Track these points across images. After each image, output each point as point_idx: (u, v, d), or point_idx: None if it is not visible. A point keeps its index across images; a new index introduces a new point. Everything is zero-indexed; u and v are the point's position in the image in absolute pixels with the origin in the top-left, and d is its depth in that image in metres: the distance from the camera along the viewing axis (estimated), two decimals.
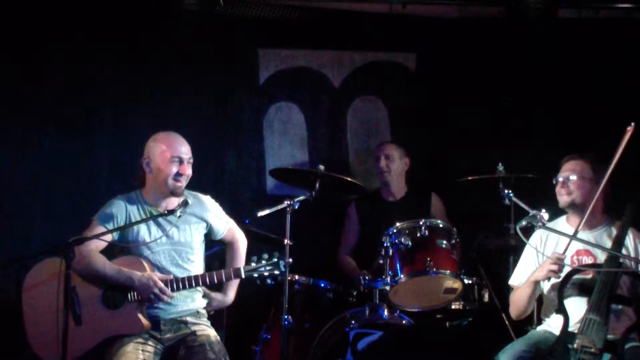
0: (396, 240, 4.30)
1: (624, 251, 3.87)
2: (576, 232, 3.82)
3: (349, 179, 4.72)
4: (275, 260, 3.84)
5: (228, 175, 5.51)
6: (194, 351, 3.77)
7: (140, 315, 3.74)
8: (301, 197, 4.45)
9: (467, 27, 5.57)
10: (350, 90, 5.66)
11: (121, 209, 3.92)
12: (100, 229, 3.80)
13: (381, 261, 4.37)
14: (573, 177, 3.98)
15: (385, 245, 4.34)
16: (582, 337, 3.67)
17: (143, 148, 4.04)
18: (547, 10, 5.31)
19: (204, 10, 5.26)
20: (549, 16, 5.35)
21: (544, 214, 3.79)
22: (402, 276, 4.22)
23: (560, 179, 4.02)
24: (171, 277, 3.81)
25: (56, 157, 5.19)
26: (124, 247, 3.88)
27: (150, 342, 3.77)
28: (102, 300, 3.77)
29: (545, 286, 4.02)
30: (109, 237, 3.83)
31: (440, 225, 4.40)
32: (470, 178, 4.72)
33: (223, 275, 3.84)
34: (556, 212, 4.05)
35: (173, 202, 3.95)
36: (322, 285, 4.55)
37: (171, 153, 3.90)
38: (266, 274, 3.82)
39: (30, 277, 3.84)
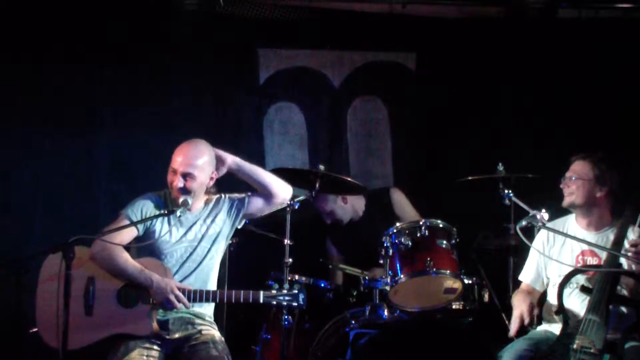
0: (396, 240, 4.30)
1: (624, 251, 3.87)
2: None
3: (349, 179, 4.71)
4: (296, 292, 3.81)
5: (228, 174, 5.49)
6: (198, 348, 3.78)
7: (150, 319, 3.74)
8: (301, 197, 4.46)
9: (467, 27, 5.57)
10: (350, 90, 5.66)
11: (149, 205, 3.95)
12: (126, 223, 3.83)
13: (381, 261, 4.37)
14: (574, 178, 3.99)
15: (385, 245, 4.34)
16: (582, 337, 3.67)
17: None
18: (547, 10, 5.33)
19: (204, 10, 5.26)
20: (549, 16, 5.36)
21: (544, 214, 3.80)
22: (402, 276, 4.22)
23: (563, 179, 4.03)
24: (189, 287, 3.80)
25: (56, 157, 5.19)
26: (146, 244, 3.89)
27: (155, 347, 3.76)
28: (116, 297, 3.77)
29: (549, 287, 4.03)
30: (129, 236, 3.84)
31: (440, 225, 4.39)
32: (470, 178, 4.71)
33: (241, 296, 3.80)
34: (556, 212, 4.05)
35: (196, 200, 3.96)
36: (322, 285, 4.55)
37: (171, 163, 3.94)
38: (284, 303, 3.80)
39: (48, 264, 3.81)
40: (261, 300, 3.79)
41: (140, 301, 3.76)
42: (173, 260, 3.90)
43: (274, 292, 3.80)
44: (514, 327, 3.87)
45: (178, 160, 3.92)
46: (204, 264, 3.96)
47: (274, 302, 3.80)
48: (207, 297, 3.81)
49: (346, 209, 5.05)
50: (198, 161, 3.92)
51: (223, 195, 4.12)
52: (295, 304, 3.80)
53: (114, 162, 5.29)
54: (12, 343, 4.64)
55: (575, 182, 3.97)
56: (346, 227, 5.08)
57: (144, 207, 3.94)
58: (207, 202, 4.03)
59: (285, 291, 3.81)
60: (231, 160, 4.09)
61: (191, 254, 3.94)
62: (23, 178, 5.15)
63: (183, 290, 3.76)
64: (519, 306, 3.91)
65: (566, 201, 4.01)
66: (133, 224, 3.85)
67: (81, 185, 5.23)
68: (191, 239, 3.96)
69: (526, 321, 3.81)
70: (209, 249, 3.98)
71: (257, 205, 4.11)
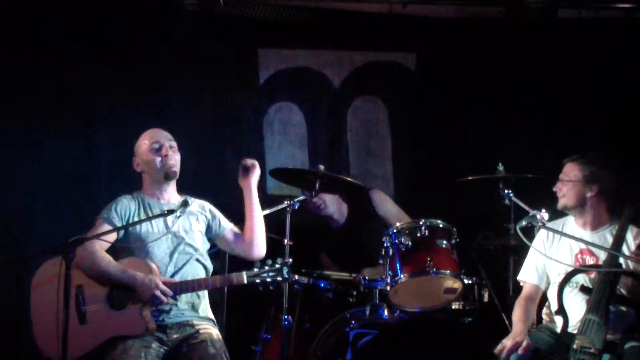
0: (396, 240, 4.30)
1: (624, 251, 3.87)
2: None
3: (349, 179, 4.72)
4: (278, 266, 3.81)
5: (228, 175, 5.49)
6: (195, 347, 3.77)
7: (142, 317, 3.73)
8: (301, 197, 4.46)
9: (467, 27, 5.57)
10: (350, 90, 5.66)
11: (125, 207, 3.95)
12: (105, 227, 3.83)
13: (381, 261, 4.37)
14: (564, 181, 4.01)
15: (385, 245, 4.34)
16: (582, 337, 3.67)
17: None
18: (547, 10, 5.33)
19: (204, 10, 5.27)
20: (549, 16, 5.37)
21: (544, 214, 3.80)
22: (402, 276, 4.22)
23: (557, 183, 4.06)
24: (174, 280, 3.81)
25: (56, 157, 5.19)
26: (127, 246, 3.88)
27: (154, 345, 3.75)
28: (107, 300, 3.76)
29: (549, 286, 4.03)
30: (112, 237, 3.84)
31: (440, 225, 4.39)
32: (470, 178, 4.71)
33: (226, 280, 3.84)
34: (556, 212, 4.06)
35: (172, 190, 4.04)
36: (322, 285, 4.55)
37: (149, 142, 3.99)
38: (269, 279, 3.79)
39: (40, 273, 3.81)
40: (245, 281, 3.79)
41: (130, 301, 3.74)
42: (161, 252, 3.88)
43: (256, 270, 3.79)
44: (499, 348, 3.82)
45: (158, 134, 4.01)
46: (194, 258, 3.95)
47: (258, 280, 3.78)
48: (193, 286, 3.81)
49: (330, 200, 4.99)
50: (172, 138, 4.05)
51: (207, 203, 4.14)
52: (280, 278, 3.79)
53: (114, 162, 5.28)
54: (12, 343, 4.64)
55: (565, 184, 4.00)
56: (334, 236, 5.07)
57: (119, 206, 3.93)
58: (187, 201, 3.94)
59: (267, 267, 3.80)
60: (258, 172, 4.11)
61: (178, 245, 3.92)
62: (23, 178, 5.14)
63: (168, 284, 3.75)
64: (515, 333, 3.86)
65: (559, 204, 4.04)
66: (118, 228, 3.82)
67: (81, 185, 5.22)
68: (175, 231, 3.94)
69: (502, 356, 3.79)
70: (198, 244, 3.99)
71: (228, 236, 4.11)
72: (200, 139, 5.40)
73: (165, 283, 3.74)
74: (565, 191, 4.00)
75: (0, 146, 5.09)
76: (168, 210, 3.82)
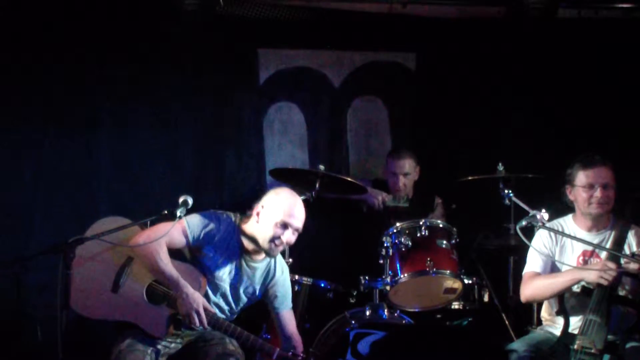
0: (396, 240, 4.31)
1: (625, 251, 3.87)
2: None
3: (349, 179, 4.72)
4: None
5: (228, 175, 5.50)
6: (214, 343, 3.80)
7: (167, 324, 3.70)
8: (301, 197, 4.46)
9: (467, 27, 5.58)
10: (350, 90, 5.66)
11: (211, 235, 3.82)
12: (178, 231, 3.75)
13: (381, 261, 4.37)
14: (610, 186, 3.90)
15: (385, 245, 4.34)
16: (583, 337, 3.68)
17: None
18: (547, 10, 5.32)
19: (204, 10, 5.25)
20: (549, 16, 5.36)
21: (544, 214, 3.79)
22: (402, 276, 4.23)
23: (593, 187, 3.91)
24: (214, 311, 3.77)
25: (56, 157, 5.18)
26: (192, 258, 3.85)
27: (163, 343, 3.77)
28: (146, 288, 3.73)
29: None
30: (179, 241, 3.77)
31: (440, 225, 4.41)
32: (470, 178, 4.72)
33: (257, 343, 3.77)
34: (556, 212, 4.05)
35: (262, 255, 3.90)
36: (322, 285, 4.56)
37: (282, 218, 3.78)
38: None
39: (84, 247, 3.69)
40: (274, 358, 3.75)
41: (165, 303, 3.72)
42: (217, 294, 3.86)
43: (290, 354, 3.77)
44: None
45: (295, 219, 3.81)
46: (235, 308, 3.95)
47: None
48: (227, 330, 3.75)
49: (411, 182, 5.19)
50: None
51: (280, 272, 4.00)
52: None
53: (114, 162, 5.27)
54: (12, 343, 4.64)
55: (611, 189, 3.91)
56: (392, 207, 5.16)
57: (205, 230, 3.81)
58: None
59: (299, 358, 3.76)
60: None
61: (231, 298, 3.90)
62: (23, 178, 5.14)
63: (208, 312, 3.71)
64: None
65: (601, 209, 3.92)
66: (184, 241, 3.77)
67: (81, 185, 5.22)
68: (238, 298, 3.92)
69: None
70: (242, 304, 3.98)
71: (278, 319, 4.04)
72: (200, 139, 5.40)
73: (206, 310, 3.70)
74: (609, 197, 3.91)
75: (0, 146, 5.09)
76: (168, 211, 3.80)
